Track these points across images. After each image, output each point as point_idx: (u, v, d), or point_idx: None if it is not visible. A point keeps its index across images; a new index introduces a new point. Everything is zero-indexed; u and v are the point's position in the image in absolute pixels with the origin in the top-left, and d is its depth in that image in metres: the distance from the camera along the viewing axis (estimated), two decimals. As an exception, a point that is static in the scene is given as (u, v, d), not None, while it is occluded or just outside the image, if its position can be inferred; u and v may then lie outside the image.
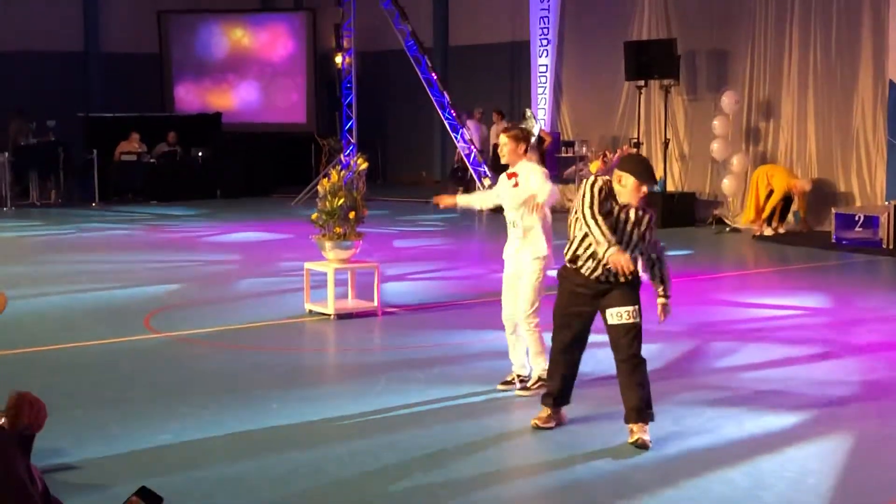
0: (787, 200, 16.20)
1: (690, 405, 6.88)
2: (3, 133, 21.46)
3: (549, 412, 6.40)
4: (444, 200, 7.84)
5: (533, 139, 18.14)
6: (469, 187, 21.44)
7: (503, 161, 7.39)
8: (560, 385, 6.36)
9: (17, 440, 2.35)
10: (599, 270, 6.05)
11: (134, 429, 6.43)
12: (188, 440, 6.22)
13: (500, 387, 7.32)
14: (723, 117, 17.21)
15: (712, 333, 9.20)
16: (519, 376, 7.36)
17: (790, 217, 16.45)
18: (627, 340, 6.02)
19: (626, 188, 5.96)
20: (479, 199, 7.93)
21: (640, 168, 6.03)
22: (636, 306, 6.03)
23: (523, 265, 7.17)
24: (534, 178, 7.12)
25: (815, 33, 16.70)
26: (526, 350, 7.33)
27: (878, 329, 9.52)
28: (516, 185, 7.20)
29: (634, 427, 6.04)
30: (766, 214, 16.17)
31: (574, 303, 6.17)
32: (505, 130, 7.42)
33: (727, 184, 17.19)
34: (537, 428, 6.34)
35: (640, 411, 6.03)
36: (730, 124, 17.26)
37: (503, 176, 7.42)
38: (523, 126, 8.08)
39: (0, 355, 7.91)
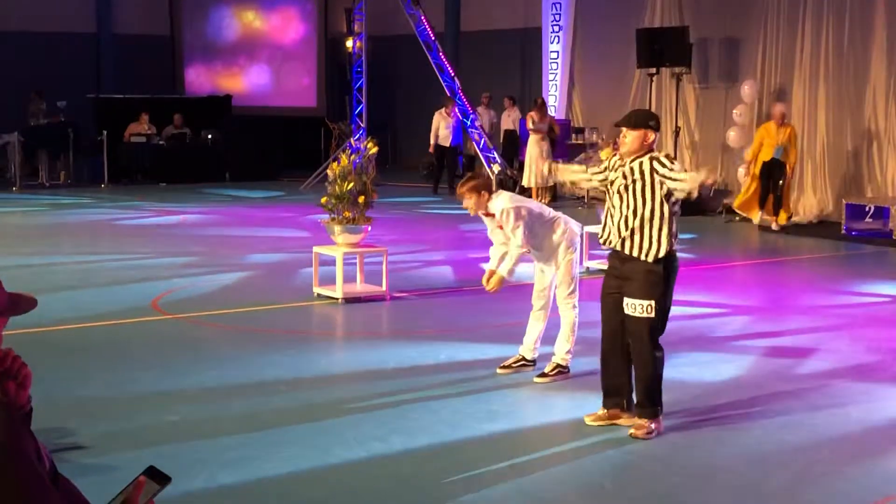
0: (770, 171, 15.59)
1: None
2: (20, 112, 21.53)
3: (602, 411, 6.24)
4: (494, 283, 7.14)
5: (536, 126, 18.12)
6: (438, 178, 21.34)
7: (472, 214, 7.22)
8: (606, 379, 6.25)
9: (23, 418, 2.34)
10: (610, 235, 6.02)
11: (142, 409, 6.45)
12: (196, 421, 6.24)
13: (499, 370, 7.32)
14: (743, 106, 17.12)
15: (719, 323, 9.19)
16: (523, 358, 7.36)
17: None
18: (639, 334, 5.94)
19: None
20: (513, 258, 7.06)
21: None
22: (651, 301, 5.86)
23: (550, 265, 7.18)
24: (507, 223, 6.99)
25: (828, 22, 16.60)
26: (540, 334, 7.36)
27: (886, 320, 9.50)
28: (500, 225, 7.12)
29: (637, 417, 6.03)
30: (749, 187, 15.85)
31: (606, 286, 6.15)
32: (459, 186, 7.31)
33: (742, 173, 17.13)
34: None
35: (641, 405, 6.02)
36: (749, 113, 17.19)
37: (485, 219, 7.28)
38: (474, 174, 7.87)
39: (7, 335, 7.91)
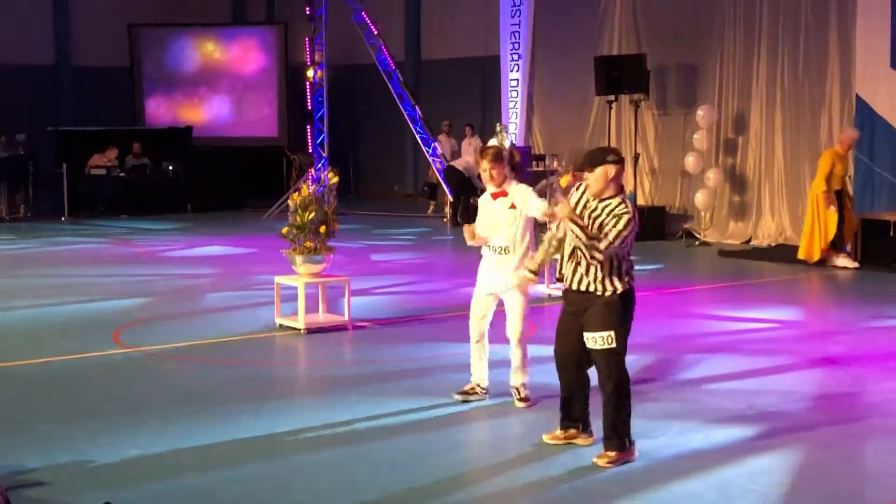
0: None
1: (659, 418, 6.91)
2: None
3: (559, 431, 6.37)
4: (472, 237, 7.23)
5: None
6: (438, 202, 21.51)
7: (493, 187, 7.15)
8: (562, 399, 6.35)
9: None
10: (572, 273, 6.07)
11: (102, 444, 6.40)
12: (157, 455, 6.20)
13: (456, 396, 7.33)
14: (703, 131, 17.28)
15: (681, 346, 9.24)
16: (479, 386, 7.38)
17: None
18: (601, 366, 6.01)
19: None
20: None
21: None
22: (611, 332, 5.92)
23: (508, 286, 7.15)
24: (531, 199, 7.05)
25: (784, 49, 16.84)
26: (486, 364, 7.39)
27: (845, 341, 9.60)
28: (513, 206, 7.09)
29: (604, 448, 6.07)
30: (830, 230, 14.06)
31: (564, 322, 6.23)
32: (482, 153, 7.18)
33: (700, 198, 17.29)
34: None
35: (607, 437, 6.05)
36: (707, 138, 17.34)
37: (486, 197, 7.25)
38: (497, 144, 7.94)
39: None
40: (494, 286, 7.21)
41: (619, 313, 5.96)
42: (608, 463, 5.94)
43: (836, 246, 14.25)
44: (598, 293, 5.96)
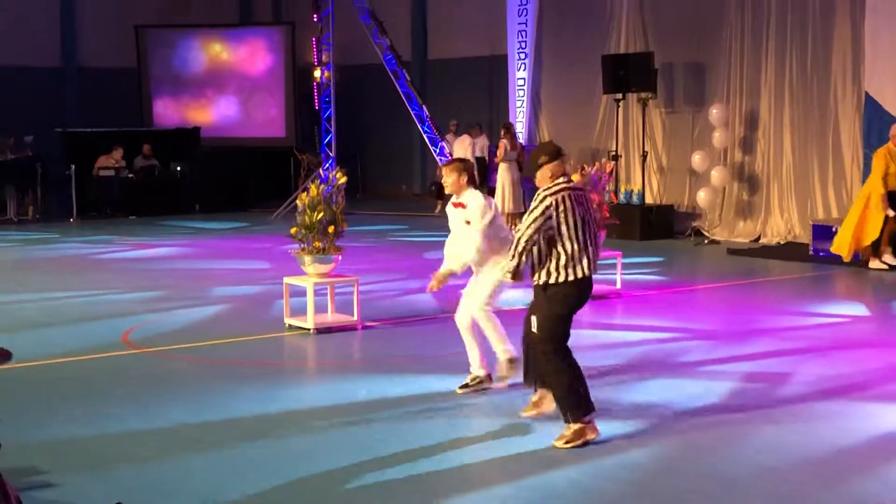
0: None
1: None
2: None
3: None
4: (439, 279, 7.66)
5: (507, 155, 18.15)
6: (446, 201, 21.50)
7: (448, 191, 7.58)
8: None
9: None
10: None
11: (112, 445, 6.41)
12: (167, 456, 6.20)
13: (458, 391, 7.53)
14: (719, 130, 17.22)
15: (683, 341, 9.25)
16: (476, 377, 7.57)
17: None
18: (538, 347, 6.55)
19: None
20: (464, 261, 7.57)
21: None
22: (533, 317, 6.47)
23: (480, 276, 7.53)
24: (472, 205, 7.38)
25: (792, 46, 16.81)
26: (481, 350, 7.56)
27: (851, 340, 9.58)
28: (468, 221, 7.42)
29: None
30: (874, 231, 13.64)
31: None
32: (446, 165, 7.63)
33: (703, 196, 17.27)
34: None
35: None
36: (722, 137, 17.28)
37: (450, 207, 7.63)
38: (462, 158, 8.35)
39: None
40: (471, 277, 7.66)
41: (545, 305, 6.36)
42: (565, 444, 6.23)
43: (876, 248, 13.79)
44: (538, 282, 6.40)
